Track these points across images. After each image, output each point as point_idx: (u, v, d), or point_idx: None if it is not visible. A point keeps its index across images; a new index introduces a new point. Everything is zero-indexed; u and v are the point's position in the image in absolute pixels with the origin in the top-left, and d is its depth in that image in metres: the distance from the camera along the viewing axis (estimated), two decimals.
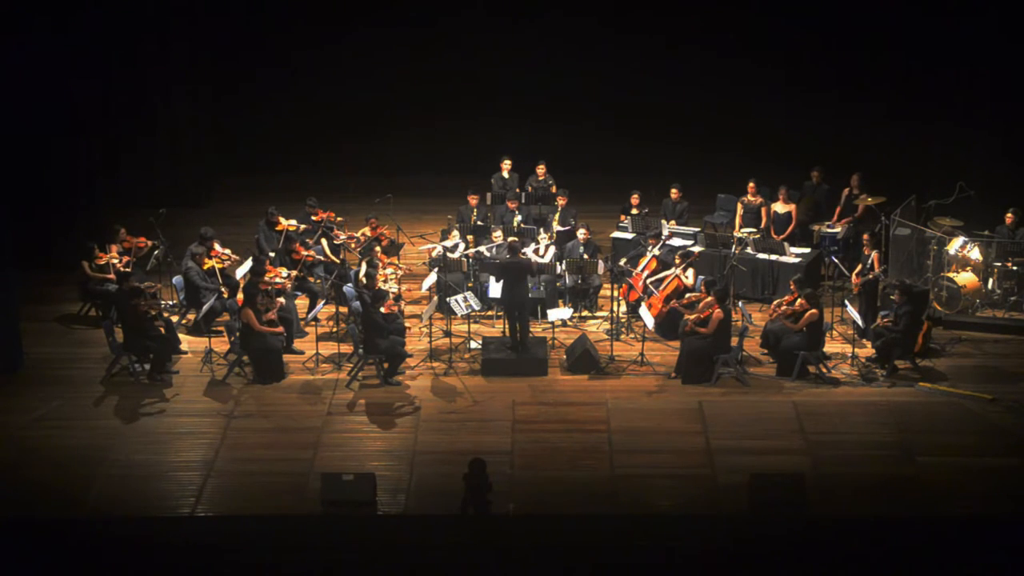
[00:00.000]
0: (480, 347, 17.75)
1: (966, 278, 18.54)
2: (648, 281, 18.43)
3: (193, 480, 14.94)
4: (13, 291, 17.48)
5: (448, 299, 17.76)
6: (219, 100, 23.79)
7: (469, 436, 15.84)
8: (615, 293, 18.54)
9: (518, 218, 19.99)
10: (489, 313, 18.93)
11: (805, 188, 20.67)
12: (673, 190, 20.61)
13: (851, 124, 23.10)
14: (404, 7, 23.67)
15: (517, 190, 20.94)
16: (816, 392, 16.90)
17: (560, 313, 18.30)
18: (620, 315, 18.59)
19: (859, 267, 18.50)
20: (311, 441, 15.74)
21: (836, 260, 19.22)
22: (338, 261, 19.56)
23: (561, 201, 20.31)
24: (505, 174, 21.09)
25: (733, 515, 14.35)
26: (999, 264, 18.69)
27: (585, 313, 19.13)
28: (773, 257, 19.44)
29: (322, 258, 19.48)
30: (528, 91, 23.85)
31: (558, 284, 19.03)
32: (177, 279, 18.72)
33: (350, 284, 18.51)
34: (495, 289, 18.17)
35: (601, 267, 18.93)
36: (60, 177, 20.39)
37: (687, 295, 17.93)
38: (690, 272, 18.37)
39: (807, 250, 19.73)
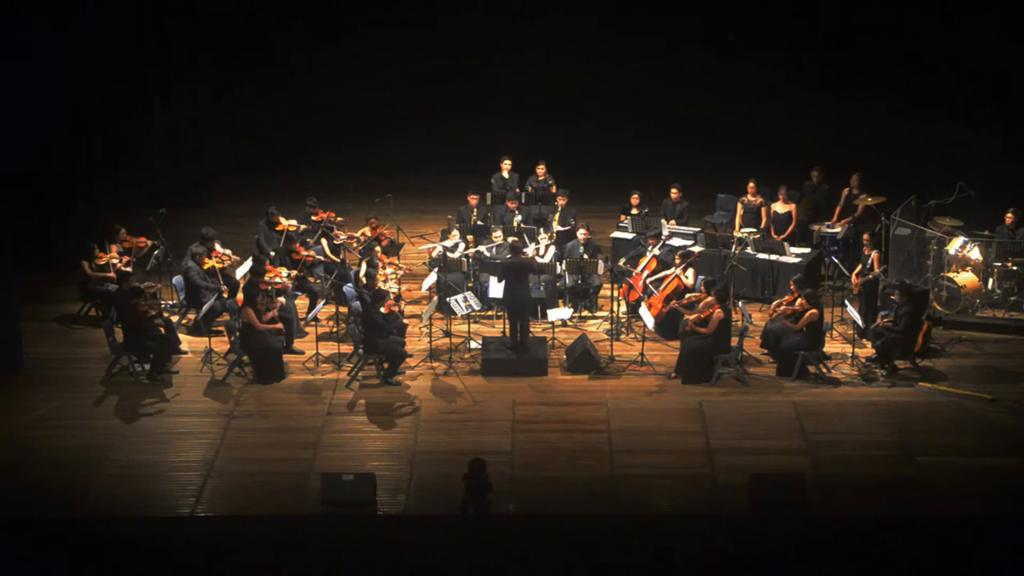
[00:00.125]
0: (480, 347, 17.75)
1: (966, 278, 18.53)
2: (648, 281, 18.42)
3: (193, 480, 14.92)
4: (13, 291, 17.47)
5: (448, 299, 17.75)
6: (219, 100, 23.78)
7: (469, 436, 15.83)
8: (615, 293, 18.53)
9: (518, 218, 19.98)
10: (489, 313, 18.93)
11: (805, 188, 20.66)
12: (673, 190, 20.61)
13: (851, 124, 23.07)
14: (404, 7, 23.67)
15: (517, 190, 20.93)
16: (816, 392, 16.89)
17: (560, 313, 18.29)
18: (620, 315, 18.58)
19: (859, 267, 18.49)
20: (311, 441, 15.72)
21: (836, 260, 19.20)
22: (338, 261, 19.55)
23: (561, 201, 20.31)
24: (505, 174, 21.09)
25: (733, 515, 14.33)
26: (999, 264, 18.68)
27: (585, 313, 19.12)
28: (773, 257, 19.44)
29: (322, 258, 19.48)
30: (528, 91, 23.84)
31: (558, 284, 19.02)
32: (177, 279, 18.72)
33: (350, 284, 18.50)
34: (495, 289, 18.16)
35: (601, 267, 18.92)
36: (60, 177, 20.37)
37: (687, 295, 17.93)
38: (690, 272, 18.36)
39: (807, 250, 19.73)
